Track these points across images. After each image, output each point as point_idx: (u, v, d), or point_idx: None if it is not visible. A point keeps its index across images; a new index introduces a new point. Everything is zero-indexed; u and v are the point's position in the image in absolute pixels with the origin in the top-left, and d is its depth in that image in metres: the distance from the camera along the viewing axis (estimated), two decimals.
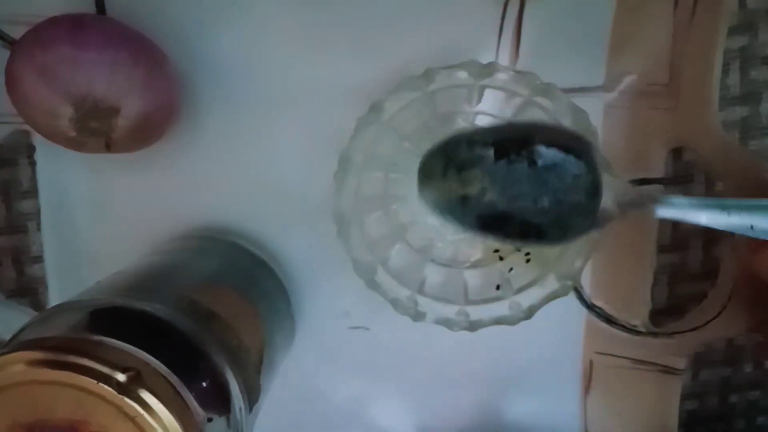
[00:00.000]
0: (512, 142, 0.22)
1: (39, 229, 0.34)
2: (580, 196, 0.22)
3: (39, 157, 0.33)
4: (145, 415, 0.17)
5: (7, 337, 0.32)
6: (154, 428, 0.17)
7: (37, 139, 0.32)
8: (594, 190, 0.22)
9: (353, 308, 0.34)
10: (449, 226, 0.24)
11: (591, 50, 0.32)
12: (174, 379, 0.19)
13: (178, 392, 0.18)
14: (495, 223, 0.23)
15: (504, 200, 0.22)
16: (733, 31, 0.32)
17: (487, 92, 0.29)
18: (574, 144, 0.22)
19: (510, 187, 0.22)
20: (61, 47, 0.26)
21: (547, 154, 0.22)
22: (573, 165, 0.22)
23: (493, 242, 0.25)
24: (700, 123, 0.31)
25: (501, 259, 0.31)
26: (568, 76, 0.31)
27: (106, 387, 0.17)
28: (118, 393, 0.17)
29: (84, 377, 0.17)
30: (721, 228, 0.23)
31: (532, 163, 0.22)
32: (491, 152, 0.22)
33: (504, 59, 0.32)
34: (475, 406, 0.35)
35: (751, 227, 0.22)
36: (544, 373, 0.35)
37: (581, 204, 0.22)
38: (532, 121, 0.24)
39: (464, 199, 0.22)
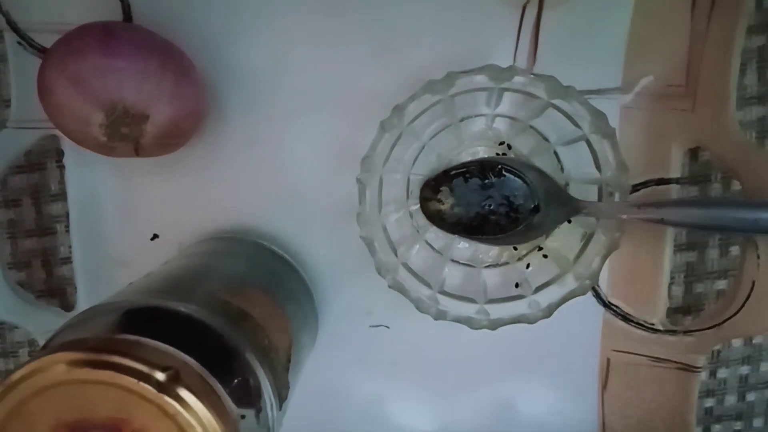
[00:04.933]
0: (471, 170, 0.30)
1: (67, 231, 0.35)
2: (520, 201, 0.30)
3: (68, 161, 0.34)
4: (184, 412, 0.18)
5: (38, 336, 0.34)
6: (192, 426, 0.18)
7: (66, 144, 0.33)
8: (532, 198, 0.30)
9: (375, 307, 0.35)
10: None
11: (608, 53, 0.32)
12: (210, 377, 0.19)
13: (214, 390, 0.19)
14: (466, 228, 0.30)
15: (465, 210, 0.30)
16: (750, 31, 0.32)
17: (506, 95, 0.29)
18: (518, 168, 0.30)
19: (467, 198, 0.30)
20: (92, 56, 0.26)
21: (492, 176, 0.30)
22: (512, 182, 0.30)
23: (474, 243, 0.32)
24: (718, 123, 0.31)
25: (515, 249, 0.31)
26: (586, 78, 0.32)
27: (146, 386, 0.18)
28: (158, 391, 0.18)
29: (125, 376, 0.18)
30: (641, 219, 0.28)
31: (482, 180, 0.30)
32: (457, 178, 0.30)
33: (522, 63, 0.32)
34: (494, 403, 0.36)
35: (662, 220, 0.28)
36: (562, 370, 0.35)
37: (521, 206, 0.30)
38: (489, 158, 0.32)
39: (441, 213, 0.30)
